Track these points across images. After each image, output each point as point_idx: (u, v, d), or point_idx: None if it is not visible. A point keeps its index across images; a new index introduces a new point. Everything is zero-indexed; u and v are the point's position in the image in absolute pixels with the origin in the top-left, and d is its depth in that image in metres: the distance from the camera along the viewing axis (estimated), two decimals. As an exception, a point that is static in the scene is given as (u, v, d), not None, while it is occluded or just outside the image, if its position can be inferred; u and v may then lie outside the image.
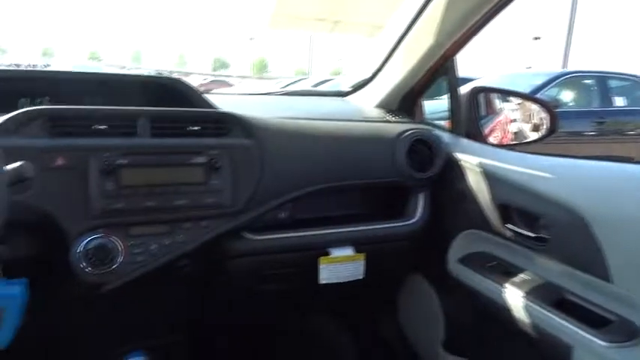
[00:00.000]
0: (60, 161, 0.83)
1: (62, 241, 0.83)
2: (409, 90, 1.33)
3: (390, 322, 1.41)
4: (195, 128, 0.94)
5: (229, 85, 18.09)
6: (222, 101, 1.09)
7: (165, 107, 0.95)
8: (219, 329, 1.27)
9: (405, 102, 1.36)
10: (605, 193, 0.88)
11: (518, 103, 1.42)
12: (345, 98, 1.52)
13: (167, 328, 1.09)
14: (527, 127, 1.39)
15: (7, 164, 0.67)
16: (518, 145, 1.36)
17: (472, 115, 1.28)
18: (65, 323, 1.01)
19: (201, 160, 0.92)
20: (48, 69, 1.10)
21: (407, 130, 1.15)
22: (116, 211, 0.85)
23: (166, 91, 1.05)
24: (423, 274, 1.27)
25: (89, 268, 0.83)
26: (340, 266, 1.08)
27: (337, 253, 1.08)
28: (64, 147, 0.83)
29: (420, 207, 1.17)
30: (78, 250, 0.83)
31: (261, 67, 54.67)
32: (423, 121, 1.34)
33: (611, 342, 0.78)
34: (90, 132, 0.87)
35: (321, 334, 1.50)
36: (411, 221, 1.16)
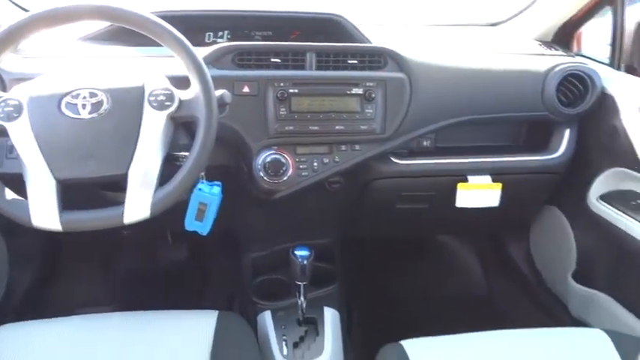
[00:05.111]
0: (245, 89, 1.01)
1: (246, 154, 1.03)
2: (567, 20, 1.29)
3: (519, 248, 1.48)
4: (354, 62, 1.05)
5: None
6: (375, 33, 1.19)
7: (328, 42, 1.08)
8: (362, 240, 1.46)
9: (562, 33, 1.32)
10: None
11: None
12: (496, 28, 1.50)
13: (323, 232, 1.30)
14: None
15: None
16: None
17: (638, 47, 1.21)
18: (245, 220, 1.26)
19: (358, 91, 1.03)
20: (226, 7, 1.28)
21: (559, 64, 1.14)
22: (287, 132, 1.03)
23: (328, 25, 1.18)
24: (559, 208, 1.30)
25: (266, 178, 1.03)
26: (477, 193, 1.17)
27: (475, 180, 1.16)
28: (249, 77, 1.01)
29: (565, 142, 1.18)
30: (258, 163, 1.03)
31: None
32: (579, 54, 1.30)
33: None
34: (267, 64, 1.03)
35: (449, 251, 1.62)
36: (553, 156, 1.18)
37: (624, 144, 1.08)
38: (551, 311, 1.32)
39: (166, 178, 0.82)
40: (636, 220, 1.02)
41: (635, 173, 1.07)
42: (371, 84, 1.04)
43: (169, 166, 0.85)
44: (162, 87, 0.82)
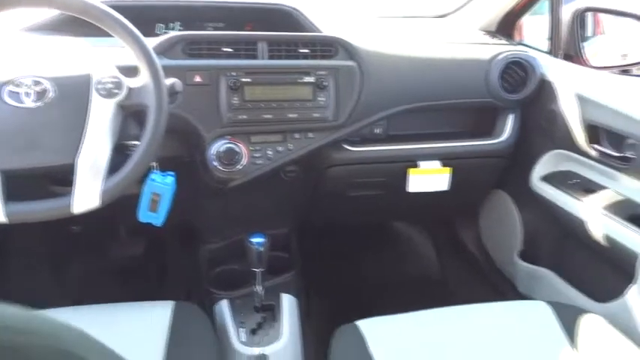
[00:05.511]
0: (197, 78, 1.00)
1: (200, 144, 1.03)
2: (509, 11, 1.35)
3: (469, 231, 1.54)
4: (306, 51, 1.07)
5: None
6: (328, 24, 1.21)
7: (280, 32, 1.09)
8: (319, 229, 1.49)
9: (505, 23, 1.37)
10: None
11: (628, 24, 1.37)
12: (444, 19, 1.55)
13: (280, 222, 1.31)
14: (632, 47, 1.35)
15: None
16: (622, 67, 1.34)
17: (574, 36, 1.28)
18: (199, 209, 1.26)
19: (309, 79, 1.05)
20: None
21: (502, 52, 1.20)
22: (240, 121, 1.03)
23: (281, 16, 1.19)
24: (505, 191, 1.36)
25: (220, 167, 1.03)
26: (427, 177, 1.21)
27: (425, 165, 1.20)
28: (200, 67, 1.00)
29: (508, 127, 1.24)
30: (212, 153, 1.03)
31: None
32: (520, 43, 1.36)
33: None
34: (219, 54, 1.04)
35: (405, 238, 1.67)
36: (498, 140, 1.23)
37: (562, 127, 1.14)
38: (500, 289, 1.38)
39: (117, 168, 0.81)
40: (574, 197, 1.08)
41: (573, 154, 1.14)
42: (323, 72, 1.06)
43: (120, 155, 0.84)
44: (110, 75, 0.81)
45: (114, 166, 0.81)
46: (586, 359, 0.83)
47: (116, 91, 0.80)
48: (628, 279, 0.94)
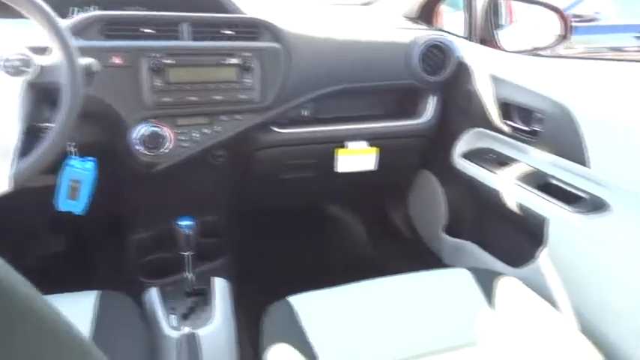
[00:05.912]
0: (116, 60, 0.97)
1: (121, 128, 1.00)
2: (428, -3, 1.40)
3: (398, 211, 1.60)
4: (230, 32, 1.06)
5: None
6: (252, 7, 1.21)
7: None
8: (251, 213, 1.48)
9: (424, 10, 1.43)
10: (593, 91, 0.99)
11: (535, 11, 1.47)
12: (369, 7, 1.59)
13: (210, 208, 1.30)
14: (541, 34, 1.45)
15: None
16: (532, 50, 1.43)
17: (487, 22, 1.35)
18: (125, 197, 1.22)
19: (234, 61, 1.04)
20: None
21: (422, 37, 1.25)
22: (165, 104, 1.01)
23: (205, 2, 1.17)
24: (430, 170, 1.43)
25: (145, 151, 1.01)
26: (355, 158, 1.24)
27: (353, 145, 1.23)
28: (119, 48, 0.97)
29: (430, 108, 1.30)
30: (135, 137, 1.00)
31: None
32: (440, 29, 1.42)
33: (579, 213, 0.93)
34: (139, 35, 1.01)
35: (337, 220, 1.70)
36: (421, 120, 1.29)
37: (479, 106, 1.21)
38: (427, 263, 1.44)
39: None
40: (491, 171, 1.15)
41: (489, 131, 1.21)
42: (247, 54, 1.06)
43: (33, 138, 0.80)
44: (18, 52, 0.77)
45: (26, 150, 0.77)
46: (503, 317, 0.89)
47: (24, 68, 0.77)
48: (538, 243, 1.01)
